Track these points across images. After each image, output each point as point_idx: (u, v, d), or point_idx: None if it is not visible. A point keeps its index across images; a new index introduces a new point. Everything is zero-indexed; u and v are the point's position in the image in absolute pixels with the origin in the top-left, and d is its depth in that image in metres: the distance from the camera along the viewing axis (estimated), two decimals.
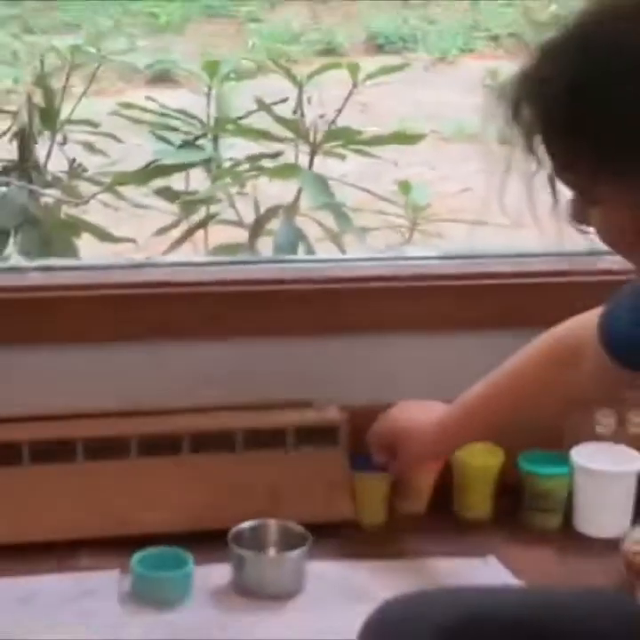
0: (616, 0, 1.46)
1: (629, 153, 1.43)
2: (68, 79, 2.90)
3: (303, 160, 2.86)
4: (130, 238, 2.88)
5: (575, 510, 2.46)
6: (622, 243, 1.55)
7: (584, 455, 2.42)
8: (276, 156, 2.88)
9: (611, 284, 2.24)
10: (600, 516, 2.45)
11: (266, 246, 2.80)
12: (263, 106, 2.78)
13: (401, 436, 2.34)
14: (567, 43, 1.47)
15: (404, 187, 2.98)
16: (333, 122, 2.87)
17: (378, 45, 4.35)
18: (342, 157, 2.85)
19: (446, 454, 2.38)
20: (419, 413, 2.36)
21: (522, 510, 2.49)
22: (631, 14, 1.44)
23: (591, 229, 1.58)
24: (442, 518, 2.49)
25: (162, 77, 3.74)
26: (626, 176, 1.45)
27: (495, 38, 4.33)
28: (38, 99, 2.87)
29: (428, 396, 2.41)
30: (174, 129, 2.92)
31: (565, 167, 1.50)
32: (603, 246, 1.67)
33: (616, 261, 1.74)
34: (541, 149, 1.52)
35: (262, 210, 2.87)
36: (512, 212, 1.59)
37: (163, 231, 2.83)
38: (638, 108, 1.41)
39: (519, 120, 1.51)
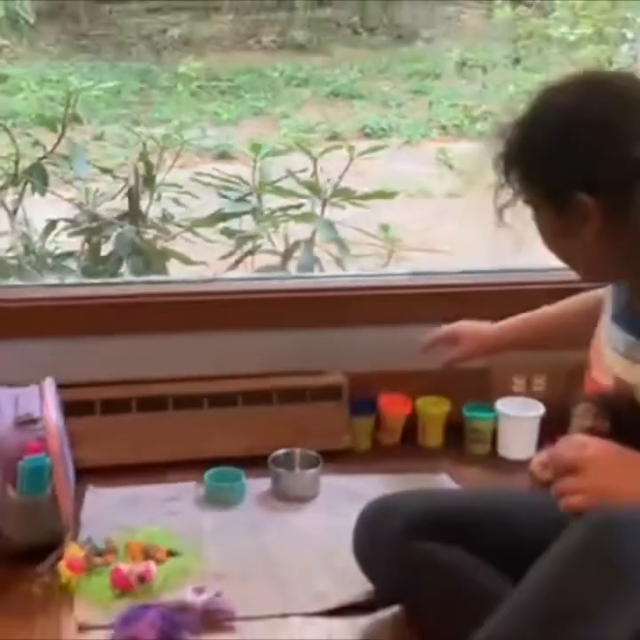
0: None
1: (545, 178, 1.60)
2: (160, 156, 3.04)
3: (317, 210, 3.01)
4: (203, 262, 2.96)
5: (499, 442, 2.55)
6: (546, 240, 1.67)
7: (505, 405, 2.54)
8: (298, 207, 3.04)
9: (525, 292, 2.35)
10: (515, 446, 2.53)
11: (293, 267, 2.97)
12: (290, 173, 3.01)
13: (465, 332, 2.31)
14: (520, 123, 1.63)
15: (384, 227, 3.15)
16: (337, 184, 3.01)
17: (366, 133, 4.37)
18: (343, 208, 3.00)
19: (498, 352, 2.31)
20: (478, 324, 2.32)
21: (463, 442, 2.58)
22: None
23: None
24: (410, 447, 2.58)
25: (223, 155, 3.78)
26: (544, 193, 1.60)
27: (443, 128, 4.33)
28: (141, 170, 2.99)
29: (393, 365, 2.53)
30: (231, 189, 3.02)
31: (521, 188, 1.64)
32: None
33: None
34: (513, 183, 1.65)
35: (290, 243, 3.00)
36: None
37: (224, 257, 2.97)
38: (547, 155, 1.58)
39: (501, 164, 1.66)
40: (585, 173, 1.55)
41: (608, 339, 1.76)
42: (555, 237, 1.65)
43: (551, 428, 2.34)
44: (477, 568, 1.78)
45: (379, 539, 1.89)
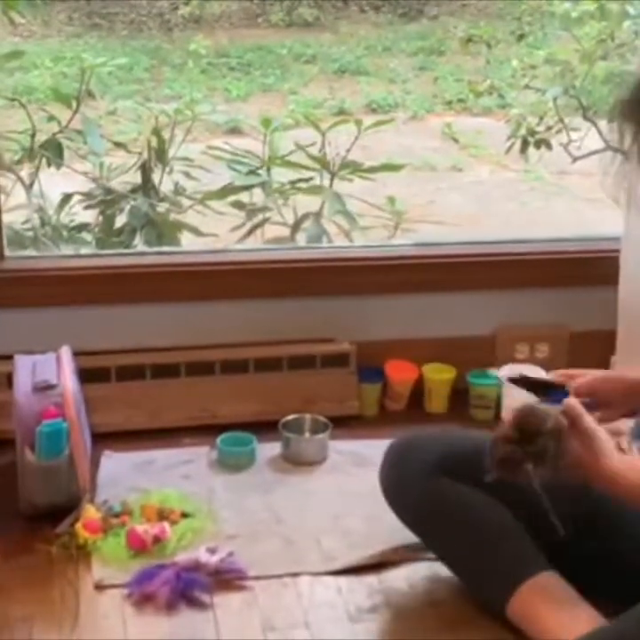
0: None
1: None
2: (173, 131, 3.02)
3: (325, 182, 3.00)
4: (214, 234, 2.96)
5: (502, 407, 2.52)
6: None
7: (508, 371, 2.46)
8: (307, 180, 3.02)
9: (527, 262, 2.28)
10: None
11: (301, 239, 2.95)
12: (300, 147, 2.98)
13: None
14: None
15: (391, 200, 3.14)
16: (345, 157, 2.98)
17: (372, 109, 4.35)
18: (351, 180, 2.98)
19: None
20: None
21: (468, 408, 2.58)
22: None
23: None
24: (415, 413, 2.58)
25: (234, 130, 3.77)
26: None
27: (449, 103, 4.31)
28: (154, 144, 2.97)
29: (399, 333, 2.56)
30: (242, 163, 3.00)
31: None
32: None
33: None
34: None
35: (299, 215, 2.98)
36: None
37: (235, 229, 2.96)
38: None
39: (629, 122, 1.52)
40: None
41: None
42: None
43: None
44: (503, 510, 1.77)
45: (409, 473, 1.87)
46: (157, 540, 1.99)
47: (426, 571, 1.94)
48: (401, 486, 1.91)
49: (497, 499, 1.79)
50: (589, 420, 1.57)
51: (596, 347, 2.52)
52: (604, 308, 2.51)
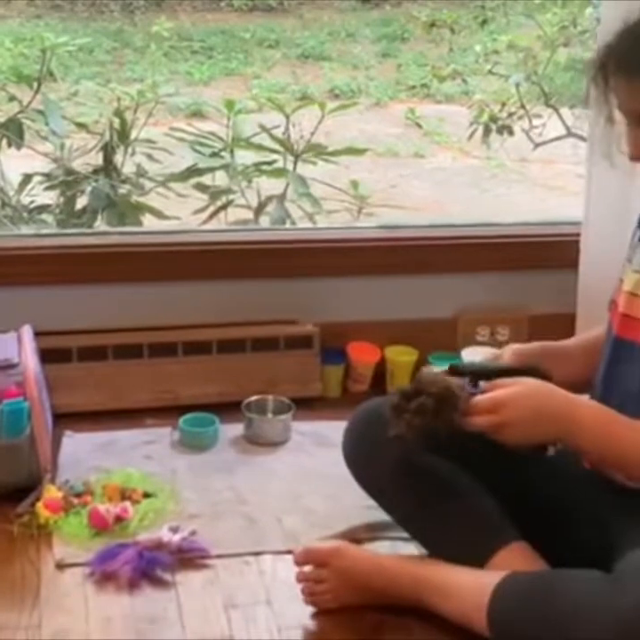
0: None
1: None
2: (135, 113, 3.05)
3: (289, 165, 3.01)
4: (176, 216, 2.96)
5: None
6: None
7: (469, 354, 2.47)
8: (271, 163, 3.04)
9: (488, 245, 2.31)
10: None
11: (265, 222, 2.97)
12: (264, 129, 2.99)
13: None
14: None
15: (354, 184, 3.16)
16: (308, 141, 3.00)
17: (335, 94, 4.34)
18: (314, 164, 3.01)
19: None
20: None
21: None
22: None
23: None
24: (378, 394, 2.44)
25: (196, 113, 3.75)
26: None
27: (412, 88, 4.32)
28: (116, 125, 2.97)
29: (362, 315, 2.57)
30: (205, 145, 3.01)
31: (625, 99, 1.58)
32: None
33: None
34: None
35: (263, 198, 2.99)
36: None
37: (198, 211, 2.98)
38: None
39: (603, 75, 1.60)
40: None
41: (634, 262, 1.73)
42: None
43: None
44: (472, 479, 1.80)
45: (377, 441, 1.83)
46: (119, 519, 1.99)
47: (387, 549, 1.94)
48: (370, 457, 1.90)
49: (463, 467, 1.80)
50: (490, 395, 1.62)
51: (556, 330, 2.48)
52: (564, 292, 2.54)
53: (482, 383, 1.68)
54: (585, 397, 1.76)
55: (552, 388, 1.65)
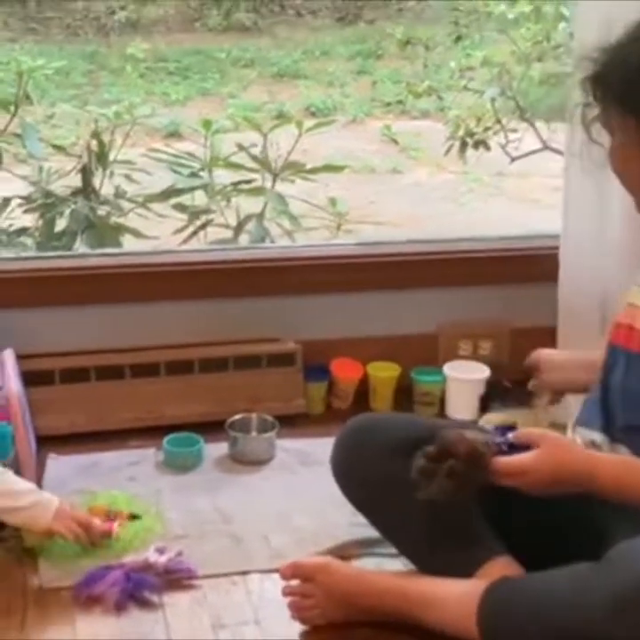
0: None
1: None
2: (112, 134, 3.04)
3: (267, 184, 3.01)
4: (156, 236, 2.95)
5: (446, 403, 2.57)
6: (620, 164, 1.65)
7: (451, 368, 2.56)
8: (249, 181, 3.04)
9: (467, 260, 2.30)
10: (463, 407, 2.51)
11: (244, 241, 2.96)
12: (242, 148, 2.99)
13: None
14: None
15: (332, 201, 3.18)
16: (286, 159, 2.99)
17: (311, 112, 4.36)
18: (292, 182, 3.01)
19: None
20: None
21: (412, 404, 2.59)
22: None
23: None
24: (361, 411, 2.44)
25: (173, 133, 3.76)
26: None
27: (388, 105, 4.34)
28: (94, 147, 2.95)
29: (344, 332, 2.57)
30: (183, 165, 3.01)
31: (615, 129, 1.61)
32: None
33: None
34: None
35: (242, 216, 2.99)
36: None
37: (177, 232, 2.97)
38: None
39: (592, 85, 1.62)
40: None
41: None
42: (626, 161, 1.62)
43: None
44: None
45: (368, 454, 1.87)
46: (106, 534, 1.95)
47: (373, 566, 1.93)
48: (359, 469, 1.90)
49: None
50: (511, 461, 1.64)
51: (538, 343, 2.48)
52: (545, 305, 2.54)
53: (510, 435, 1.68)
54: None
55: (571, 446, 1.69)
